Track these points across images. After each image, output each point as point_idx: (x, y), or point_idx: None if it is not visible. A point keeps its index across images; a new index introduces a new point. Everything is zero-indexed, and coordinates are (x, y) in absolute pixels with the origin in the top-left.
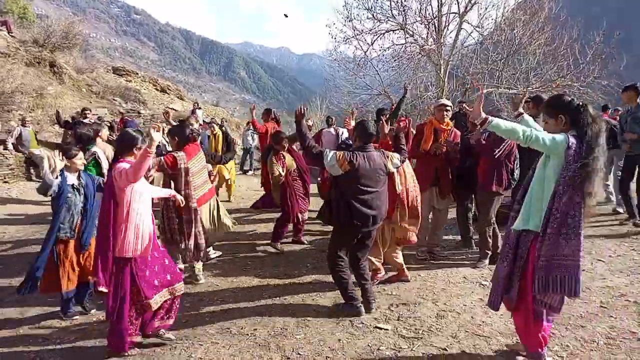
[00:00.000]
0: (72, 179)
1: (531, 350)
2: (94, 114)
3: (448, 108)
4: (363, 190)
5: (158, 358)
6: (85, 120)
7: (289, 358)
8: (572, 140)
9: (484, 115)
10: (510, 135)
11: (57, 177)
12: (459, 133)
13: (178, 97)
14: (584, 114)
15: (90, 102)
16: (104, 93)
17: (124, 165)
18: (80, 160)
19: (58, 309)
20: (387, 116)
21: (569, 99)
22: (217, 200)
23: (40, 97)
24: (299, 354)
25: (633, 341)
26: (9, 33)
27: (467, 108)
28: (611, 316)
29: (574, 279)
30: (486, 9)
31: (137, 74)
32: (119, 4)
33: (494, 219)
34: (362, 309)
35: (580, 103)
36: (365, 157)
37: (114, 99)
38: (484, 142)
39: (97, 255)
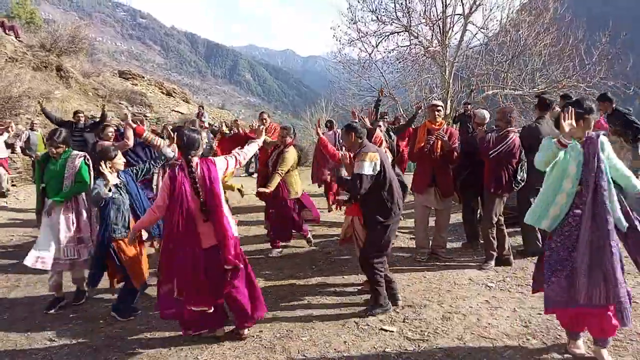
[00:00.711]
0: (113, 179)
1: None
2: (87, 117)
3: (439, 108)
4: (392, 181)
5: (164, 359)
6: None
7: (294, 359)
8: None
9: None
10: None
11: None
12: (454, 132)
13: (184, 100)
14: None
15: (97, 106)
16: (110, 97)
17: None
18: (120, 160)
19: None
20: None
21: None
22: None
23: (47, 101)
24: (304, 355)
25: None
26: (16, 38)
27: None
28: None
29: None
30: (491, 10)
31: (143, 77)
32: (124, 8)
33: (500, 219)
34: (390, 304)
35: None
36: (371, 146)
37: (120, 103)
38: (486, 143)
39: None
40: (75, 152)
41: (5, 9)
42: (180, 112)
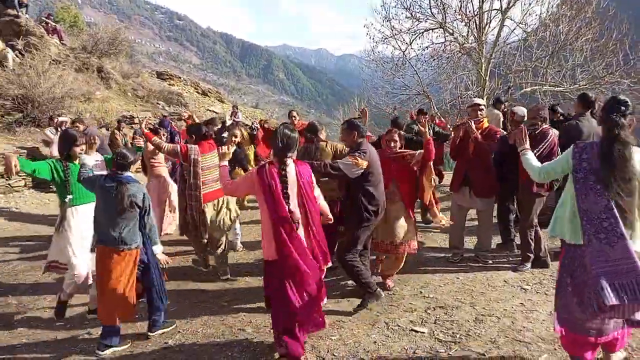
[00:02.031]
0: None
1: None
2: (84, 125)
3: (482, 107)
4: (377, 181)
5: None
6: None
7: (323, 359)
8: (580, 147)
9: (527, 146)
10: (529, 169)
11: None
12: (495, 129)
13: (218, 100)
14: (608, 122)
15: (135, 106)
16: (148, 97)
17: None
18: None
19: None
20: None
21: (609, 103)
22: (225, 201)
23: (88, 102)
24: (334, 355)
25: None
26: (60, 41)
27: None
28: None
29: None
30: (530, 4)
31: (180, 78)
32: (162, 10)
33: (536, 221)
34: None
35: (616, 120)
36: (369, 151)
37: (157, 103)
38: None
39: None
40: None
41: (50, 12)
42: (215, 112)
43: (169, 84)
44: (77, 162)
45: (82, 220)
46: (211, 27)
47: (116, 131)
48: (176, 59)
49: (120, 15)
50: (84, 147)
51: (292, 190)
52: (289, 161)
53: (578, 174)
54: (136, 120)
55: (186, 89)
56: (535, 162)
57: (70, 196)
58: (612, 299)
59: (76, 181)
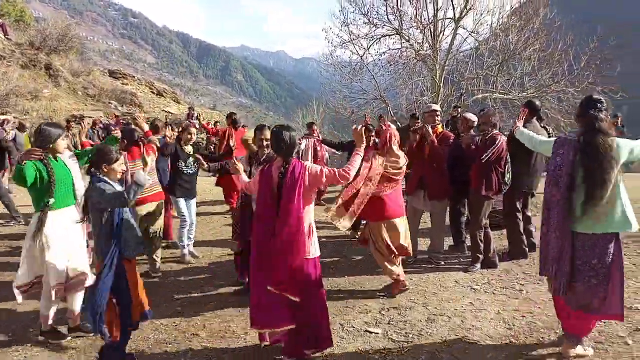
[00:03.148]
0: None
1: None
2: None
3: (439, 113)
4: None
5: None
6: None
7: None
8: (562, 139)
9: (520, 124)
10: (526, 141)
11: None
12: (449, 134)
13: (174, 101)
14: (587, 117)
15: (86, 105)
16: (100, 96)
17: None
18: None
19: None
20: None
21: (586, 101)
22: (160, 210)
23: (36, 100)
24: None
25: (621, 345)
26: (5, 36)
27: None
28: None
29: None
30: (482, 14)
31: (134, 77)
32: (116, 7)
33: (487, 223)
34: None
35: (596, 115)
36: None
37: (109, 102)
38: (474, 147)
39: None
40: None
41: None
42: (171, 113)
43: (123, 84)
44: (61, 158)
45: (64, 226)
46: (167, 26)
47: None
48: (130, 57)
49: (71, 11)
50: (67, 142)
51: (292, 189)
52: (293, 160)
53: (550, 166)
54: (86, 120)
55: (140, 89)
56: (533, 133)
57: (52, 199)
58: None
59: (58, 181)
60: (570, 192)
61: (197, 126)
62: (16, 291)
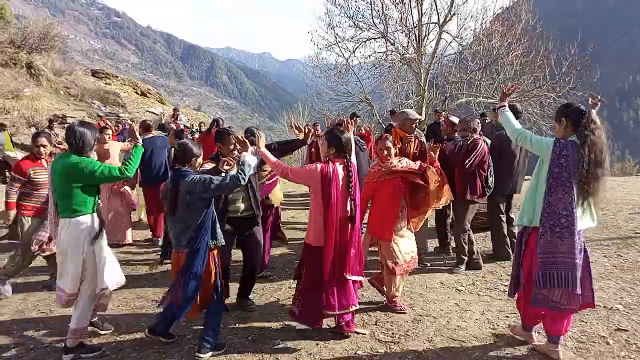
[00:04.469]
0: None
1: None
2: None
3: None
4: None
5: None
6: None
7: None
8: (561, 143)
9: (505, 102)
10: (508, 127)
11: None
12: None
13: (158, 101)
14: (583, 119)
15: (68, 105)
16: (82, 96)
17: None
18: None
19: None
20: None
21: (575, 105)
22: None
23: (17, 99)
24: (277, 358)
25: (602, 345)
26: None
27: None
28: (582, 321)
29: (572, 276)
30: (465, 19)
31: (117, 77)
32: (99, 6)
33: (469, 225)
34: None
35: (583, 110)
36: None
37: (92, 102)
38: (456, 152)
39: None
40: None
41: None
42: (155, 113)
43: (105, 83)
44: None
45: None
46: (151, 26)
47: (47, 130)
48: (113, 57)
49: (52, 9)
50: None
51: (357, 186)
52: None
53: (554, 168)
54: (69, 120)
55: (124, 89)
56: (516, 122)
57: (100, 198)
58: (542, 285)
59: None
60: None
61: (183, 126)
62: (66, 298)
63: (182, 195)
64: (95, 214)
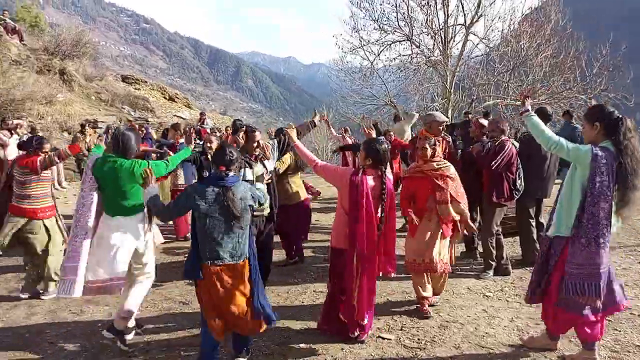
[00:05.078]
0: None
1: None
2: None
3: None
4: None
5: None
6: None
7: None
8: (600, 152)
9: (528, 106)
10: (538, 134)
11: None
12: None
13: (185, 106)
14: (620, 127)
15: (99, 110)
16: (112, 101)
17: None
18: None
19: None
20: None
21: (609, 109)
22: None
23: (50, 105)
24: None
25: (637, 354)
26: (20, 41)
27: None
28: (615, 329)
29: (607, 284)
30: (492, 20)
31: (146, 82)
32: (128, 12)
33: (499, 229)
34: None
35: (619, 115)
36: None
37: (122, 107)
38: (483, 153)
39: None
40: None
41: (10, 12)
42: (182, 117)
43: (135, 88)
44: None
45: None
46: (179, 32)
47: (79, 135)
48: (142, 62)
49: (84, 17)
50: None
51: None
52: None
53: (597, 178)
54: (100, 125)
55: (152, 94)
56: (546, 129)
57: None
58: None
59: None
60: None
61: (209, 131)
62: (86, 287)
63: (243, 201)
64: (144, 212)
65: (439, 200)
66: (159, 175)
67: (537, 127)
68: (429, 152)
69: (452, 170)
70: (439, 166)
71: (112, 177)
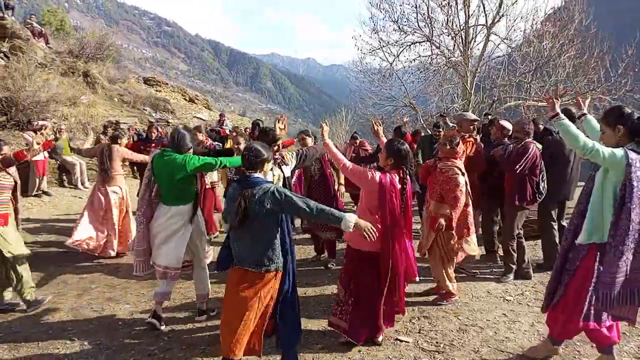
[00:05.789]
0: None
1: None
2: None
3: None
4: None
5: None
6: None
7: None
8: (632, 155)
9: (557, 109)
10: (571, 140)
11: None
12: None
13: (205, 107)
14: None
15: (122, 111)
16: (134, 103)
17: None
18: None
19: None
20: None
21: (629, 111)
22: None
23: (74, 106)
24: None
25: None
26: (46, 44)
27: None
28: (639, 335)
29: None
30: (514, 20)
31: (167, 84)
32: (150, 15)
33: (520, 232)
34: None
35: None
36: None
37: (144, 109)
38: (506, 157)
39: None
40: None
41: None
42: (202, 119)
43: (156, 90)
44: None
45: None
46: (200, 35)
47: (102, 136)
48: (163, 65)
49: (107, 20)
50: None
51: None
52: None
53: (634, 182)
54: (122, 126)
55: (173, 96)
56: (580, 133)
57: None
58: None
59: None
60: None
61: (228, 132)
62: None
63: (252, 206)
64: (193, 202)
65: (430, 196)
66: (208, 170)
67: (570, 133)
68: (447, 148)
69: (451, 174)
70: (446, 168)
71: (168, 169)
